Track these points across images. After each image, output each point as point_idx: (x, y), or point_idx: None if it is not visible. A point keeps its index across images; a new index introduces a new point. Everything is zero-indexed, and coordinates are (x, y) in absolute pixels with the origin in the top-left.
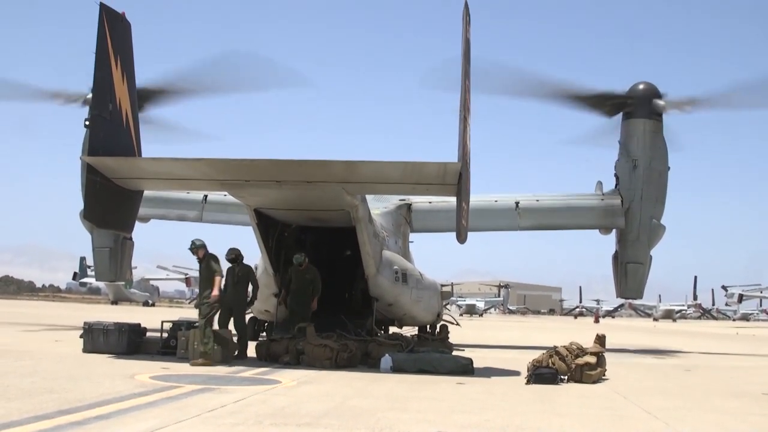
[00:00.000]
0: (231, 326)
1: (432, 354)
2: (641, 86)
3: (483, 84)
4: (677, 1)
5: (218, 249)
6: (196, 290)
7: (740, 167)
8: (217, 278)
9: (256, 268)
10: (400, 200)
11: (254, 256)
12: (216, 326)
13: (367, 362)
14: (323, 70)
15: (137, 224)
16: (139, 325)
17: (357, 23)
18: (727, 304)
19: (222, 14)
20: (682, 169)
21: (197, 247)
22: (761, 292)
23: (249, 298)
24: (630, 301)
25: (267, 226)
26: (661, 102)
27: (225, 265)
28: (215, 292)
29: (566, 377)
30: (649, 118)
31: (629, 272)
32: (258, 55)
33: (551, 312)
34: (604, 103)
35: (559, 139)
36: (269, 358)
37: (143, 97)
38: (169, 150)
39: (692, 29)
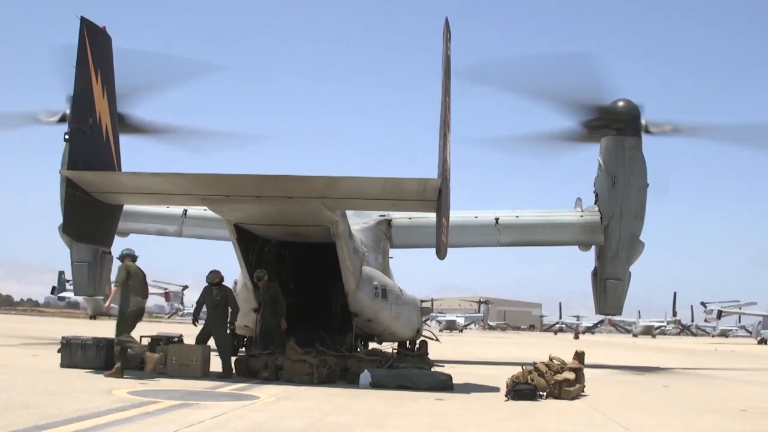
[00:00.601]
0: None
1: (411, 370)
2: (621, 103)
3: (475, 74)
4: (661, 21)
5: (198, 264)
6: (176, 305)
7: (720, 183)
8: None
9: (235, 283)
10: (380, 216)
11: (234, 270)
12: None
13: (347, 378)
14: (303, 84)
15: (116, 238)
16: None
17: (339, 38)
18: (706, 321)
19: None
20: (661, 185)
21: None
22: (740, 309)
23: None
24: (609, 317)
25: (247, 241)
26: (642, 121)
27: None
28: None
29: (545, 393)
30: (629, 135)
31: (608, 288)
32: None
33: (531, 328)
34: (586, 111)
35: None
36: (248, 373)
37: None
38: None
39: (676, 48)
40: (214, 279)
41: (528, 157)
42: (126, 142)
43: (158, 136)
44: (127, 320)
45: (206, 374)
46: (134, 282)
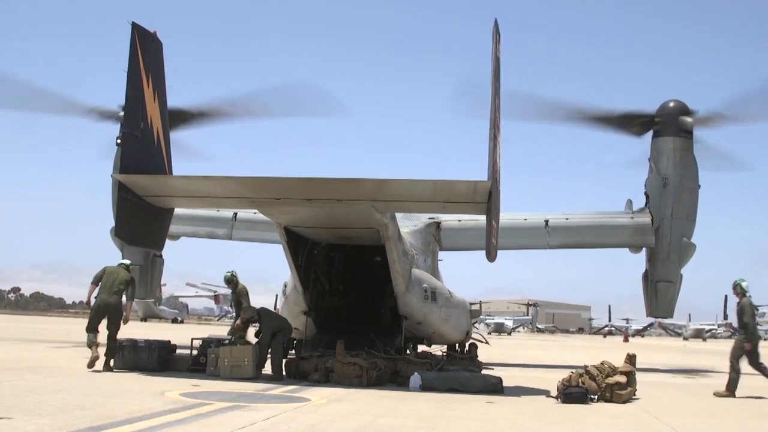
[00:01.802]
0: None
1: (461, 372)
2: (671, 104)
3: (511, 110)
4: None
5: (248, 266)
6: (225, 307)
7: None
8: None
9: (285, 286)
10: (430, 218)
11: (284, 273)
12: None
13: (396, 380)
14: (353, 90)
15: (167, 242)
16: (169, 342)
17: (385, 41)
18: (757, 323)
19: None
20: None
21: None
22: None
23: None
24: (660, 320)
25: (296, 244)
26: (689, 119)
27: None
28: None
29: (596, 396)
30: (678, 135)
31: (659, 291)
32: (305, 83)
33: (580, 331)
34: (632, 123)
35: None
36: (298, 375)
37: (186, 119)
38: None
39: (719, 46)
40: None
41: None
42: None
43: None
44: (91, 315)
45: (258, 375)
46: (106, 280)
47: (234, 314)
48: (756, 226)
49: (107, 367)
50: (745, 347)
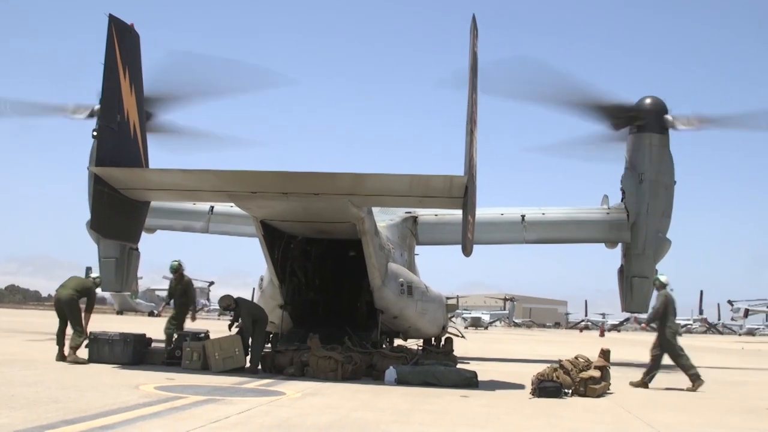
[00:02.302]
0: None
1: (436, 367)
2: (648, 100)
3: (496, 85)
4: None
5: (225, 260)
6: (202, 301)
7: (748, 180)
8: None
9: (261, 280)
10: (406, 213)
11: (260, 267)
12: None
13: (372, 374)
14: (330, 82)
15: (143, 235)
16: (144, 335)
17: (365, 35)
18: (733, 319)
19: (225, 24)
20: (689, 183)
21: None
22: (767, 307)
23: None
24: (635, 315)
25: (273, 238)
26: (668, 117)
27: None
28: None
29: (570, 391)
30: (655, 132)
31: (635, 286)
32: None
33: (557, 325)
34: (614, 114)
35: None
36: (274, 369)
37: (153, 104)
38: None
39: (702, 46)
40: (224, 303)
41: (562, 159)
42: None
43: (178, 137)
44: None
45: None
46: (67, 281)
47: (174, 305)
48: (731, 221)
49: (59, 356)
50: (668, 339)
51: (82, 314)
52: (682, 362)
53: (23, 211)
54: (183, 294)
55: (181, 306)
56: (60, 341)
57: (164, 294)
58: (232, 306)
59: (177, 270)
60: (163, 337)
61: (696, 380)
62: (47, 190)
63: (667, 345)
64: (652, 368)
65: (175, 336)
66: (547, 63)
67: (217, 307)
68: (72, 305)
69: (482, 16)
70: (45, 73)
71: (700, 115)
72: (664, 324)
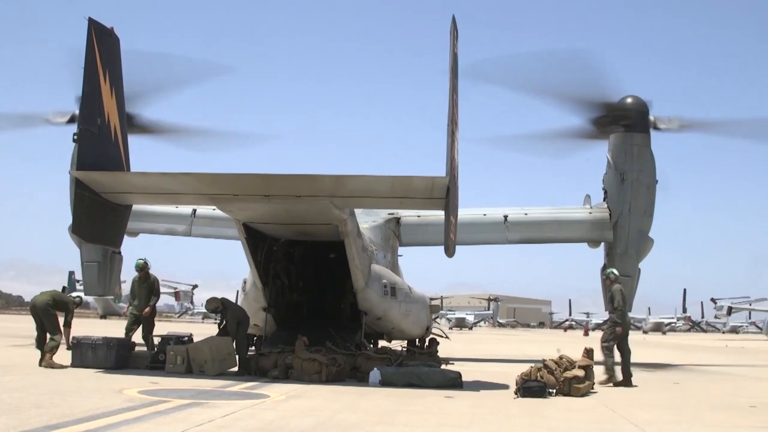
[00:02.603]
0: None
1: (420, 368)
2: (629, 100)
3: (480, 72)
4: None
5: (208, 263)
6: (186, 304)
7: (730, 179)
8: None
9: (244, 282)
10: (389, 214)
11: (244, 269)
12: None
13: (356, 376)
14: (307, 83)
15: (126, 238)
16: (128, 339)
17: (345, 35)
18: (716, 317)
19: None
20: (671, 182)
21: None
22: (750, 305)
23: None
24: None
25: (256, 240)
26: (650, 117)
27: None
28: None
29: (554, 390)
30: (637, 131)
31: None
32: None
33: (541, 325)
34: (595, 109)
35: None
36: (258, 372)
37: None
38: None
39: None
40: (211, 306)
41: (537, 156)
42: (135, 142)
43: (166, 136)
44: None
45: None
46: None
47: (136, 304)
48: (714, 220)
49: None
50: (617, 330)
51: (58, 320)
52: (609, 360)
53: (3, 216)
54: (149, 294)
55: (151, 307)
56: (40, 346)
57: None
58: (219, 309)
59: (143, 268)
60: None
61: (610, 378)
62: (26, 194)
63: (621, 337)
64: (625, 363)
65: (158, 340)
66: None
67: (201, 311)
68: (46, 311)
69: (467, 14)
70: (22, 79)
71: (682, 118)
72: (617, 315)
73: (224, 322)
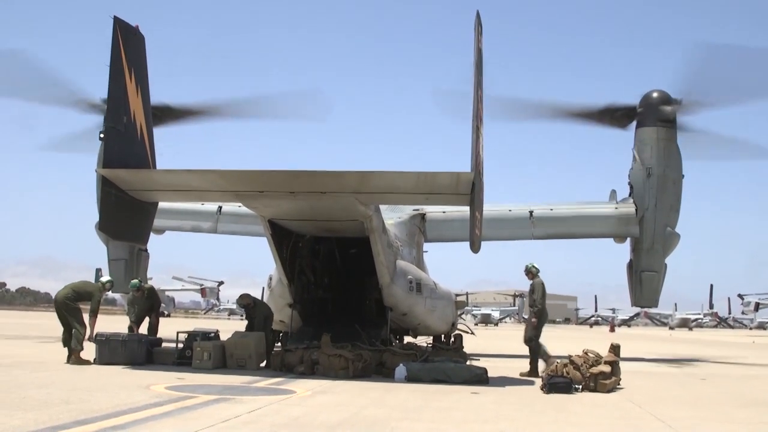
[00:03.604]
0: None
1: (446, 363)
2: (653, 94)
3: (495, 112)
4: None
5: (233, 260)
6: (212, 300)
7: (757, 175)
8: None
9: (270, 279)
10: (414, 210)
11: (269, 266)
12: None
13: (382, 372)
14: (336, 80)
15: (152, 236)
16: (155, 335)
17: (369, 34)
18: (743, 313)
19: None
20: (699, 177)
21: None
22: None
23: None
24: (645, 309)
25: (281, 237)
26: (671, 109)
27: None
28: None
29: (581, 386)
30: (661, 126)
31: (644, 281)
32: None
33: (566, 321)
34: (613, 116)
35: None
36: (284, 368)
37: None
38: None
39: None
40: (244, 301)
41: (557, 121)
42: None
43: (206, 115)
44: None
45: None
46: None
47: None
48: (742, 215)
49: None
50: (533, 322)
51: (82, 313)
52: (541, 349)
53: (31, 214)
54: (150, 308)
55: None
56: (66, 344)
57: (173, 294)
58: (251, 305)
59: (139, 288)
60: (173, 337)
61: (533, 372)
62: (54, 192)
63: (537, 328)
64: (545, 354)
65: (185, 335)
66: (545, 81)
67: (227, 308)
68: (66, 306)
69: (494, 5)
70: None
71: (699, 100)
72: (536, 309)
73: (252, 319)
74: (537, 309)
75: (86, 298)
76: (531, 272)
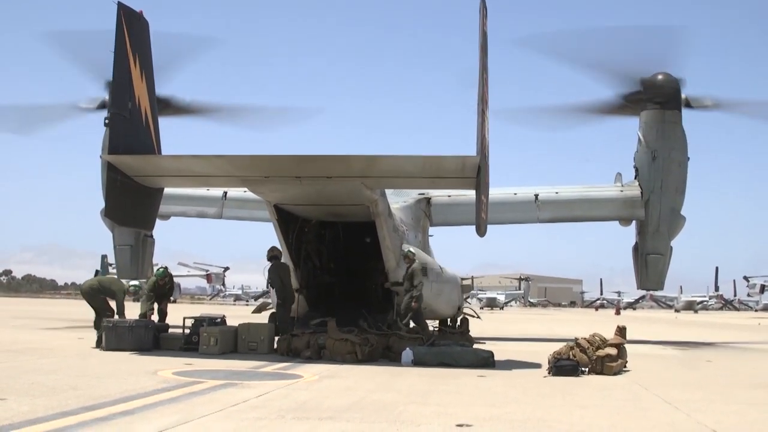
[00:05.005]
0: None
1: (453, 347)
2: (658, 77)
3: (507, 119)
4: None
5: (239, 245)
6: (217, 286)
7: (763, 156)
8: None
9: None
10: (420, 194)
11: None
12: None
13: (388, 356)
14: (340, 65)
15: (158, 221)
16: (163, 321)
17: (374, 18)
18: (749, 295)
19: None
20: (703, 159)
21: None
22: None
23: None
24: (651, 292)
25: (287, 222)
26: (682, 94)
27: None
28: None
29: (587, 369)
30: (668, 108)
31: (650, 264)
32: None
33: (572, 304)
34: (623, 105)
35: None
36: (291, 353)
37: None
38: None
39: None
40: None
41: (564, 127)
42: (173, 123)
43: (203, 115)
44: None
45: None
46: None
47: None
48: (747, 197)
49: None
50: (413, 306)
51: (107, 303)
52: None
53: (39, 200)
54: (170, 290)
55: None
56: (97, 327)
57: (178, 280)
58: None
59: (164, 276)
60: (179, 323)
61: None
62: (58, 180)
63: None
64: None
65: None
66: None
67: (232, 293)
68: (90, 295)
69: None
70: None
71: (715, 97)
72: (416, 292)
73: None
74: (418, 294)
75: (109, 294)
76: (408, 257)
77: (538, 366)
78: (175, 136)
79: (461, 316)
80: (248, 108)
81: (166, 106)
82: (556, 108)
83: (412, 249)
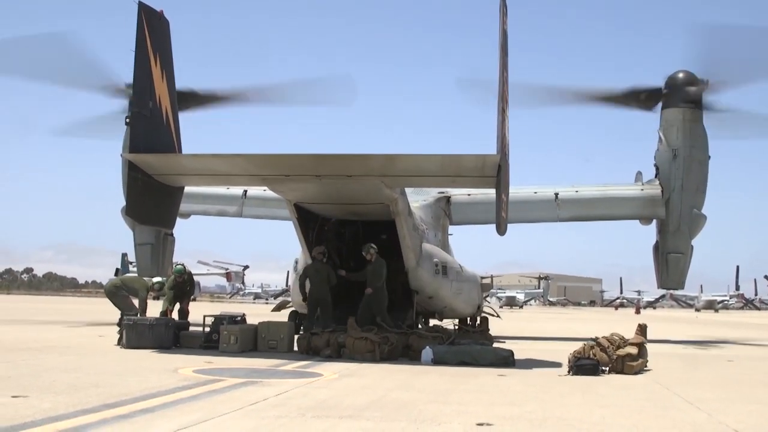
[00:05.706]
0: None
1: (473, 346)
2: (679, 75)
3: (520, 99)
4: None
5: (258, 244)
6: (237, 284)
7: None
8: None
9: (296, 262)
10: (439, 193)
11: (295, 250)
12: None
13: (408, 355)
14: (360, 64)
15: (178, 220)
16: (185, 319)
17: (393, 17)
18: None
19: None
20: (724, 158)
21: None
22: None
23: None
24: (671, 291)
25: (307, 220)
26: (698, 89)
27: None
28: None
29: (607, 368)
30: (687, 107)
31: (670, 263)
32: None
33: (592, 303)
34: (638, 98)
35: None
36: (310, 351)
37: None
38: None
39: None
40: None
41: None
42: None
43: (230, 102)
44: None
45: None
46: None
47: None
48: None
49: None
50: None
51: (129, 300)
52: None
53: (59, 199)
54: (190, 288)
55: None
56: (120, 325)
57: (198, 278)
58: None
59: (182, 273)
60: (200, 321)
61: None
62: (78, 178)
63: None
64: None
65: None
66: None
67: (252, 291)
68: (112, 293)
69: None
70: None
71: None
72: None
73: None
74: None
75: (132, 292)
76: (370, 253)
77: (558, 365)
78: (202, 132)
79: (481, 315)
80: (274, 86)
81: (191, 99)
82: (566, 89)
83: (374, 246)
